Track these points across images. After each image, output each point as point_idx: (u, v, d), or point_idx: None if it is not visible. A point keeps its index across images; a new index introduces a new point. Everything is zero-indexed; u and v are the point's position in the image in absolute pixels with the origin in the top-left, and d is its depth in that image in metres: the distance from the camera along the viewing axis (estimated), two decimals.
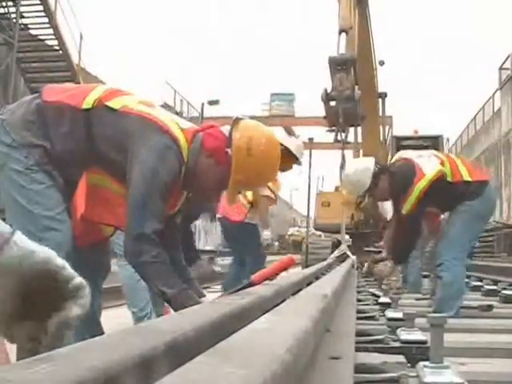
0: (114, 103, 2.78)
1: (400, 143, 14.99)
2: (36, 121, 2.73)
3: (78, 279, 1.26)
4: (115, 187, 2.90)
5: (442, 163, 5.00)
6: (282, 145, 6.32)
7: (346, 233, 9.14)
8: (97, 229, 3.18)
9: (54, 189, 2.72)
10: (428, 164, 5.00)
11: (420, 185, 4.85)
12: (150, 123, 2.75)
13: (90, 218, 3.01)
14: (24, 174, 2.68)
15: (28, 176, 2.68)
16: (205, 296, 2.97)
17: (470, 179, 4.95)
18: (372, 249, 8.10)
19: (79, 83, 19.23)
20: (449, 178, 4.94)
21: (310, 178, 7.67)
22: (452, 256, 4.76)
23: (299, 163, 6.14)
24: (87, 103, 2.76)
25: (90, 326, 2.99)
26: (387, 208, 7.68)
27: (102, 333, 3.06)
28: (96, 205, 2.97)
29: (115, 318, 4.74)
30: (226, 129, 2.93)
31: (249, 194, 6.59)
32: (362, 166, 5.46)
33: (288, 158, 5.73)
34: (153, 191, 2.66)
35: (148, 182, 2.66)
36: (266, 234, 7.04)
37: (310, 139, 8.72)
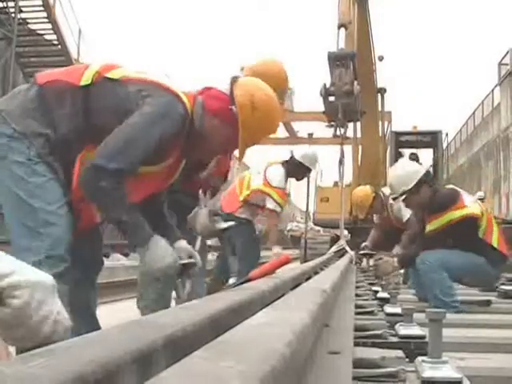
0: (114, 74, 2.76)
1: (399, 138, 14.99)
2: (37, 108, 2.68)
3: (13, 279, 1.23)
4: None
5: (481, 214, 5.03)
6: (299, 162, 6.78)
7: (345, 228, 9.14)
8: (88, 214, 3.10)
9: (55, 182, 2.68)
10: (471, 202, 5.07)
11: (456, 213, 4.88)
12: (154, 86, 2.75)
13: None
14: (25, 165, 2.62)
15: (29, 168, 2.62)
16: (181, 239, 2.93)
17: (496, 246, 4.97)
18: (367, 252, 8.13)
19: None
20: (480, 235, 4.96)
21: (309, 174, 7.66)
22: (437, 264, 4.78)
23: (309, 173, 6.67)
24: (86, 79, 2.73)
25: (87, 321, 2.98)
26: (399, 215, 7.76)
27: (99, 327, 3.06)
28: None
29: (113, 313, 4.74)
30: (224, 88, 2.96)
31: (245, 193, 6.66)
32: (414, 168, 5.44)
33: (303, 170, 6.87)
34: (141, 139, 2.63)
35: (142, 129, 2.63)
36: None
37: (310, 134, 8.73)
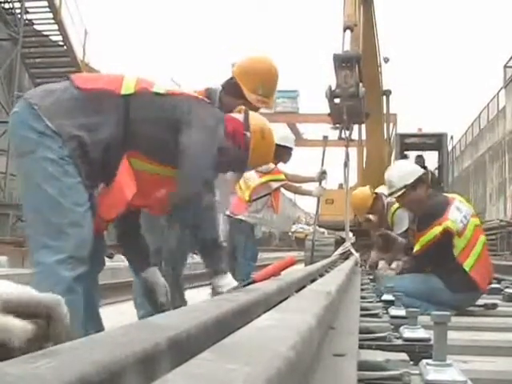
0: (159, 89, 2.91)
1: (404, 141, 14.96)
2: (74, 110, 2.70)
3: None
4: (152, 167, 2.93)
5: (462, 231, 4.62)
6: (276, 144, 6.76)
7: (350, 230, 9.12)
8: (99, 220, 3.14)
9: (82, 186, 2.69)
10: (457, 216, 4.68)
11: (439, 228, 4.60)
12: (197, 100, 3.02)
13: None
14: (57, 163, 2.61)
15: (62, 167, 2.61)
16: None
17: (468, 271, 4.55)
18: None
19: None
20: (455, 252, 4.58)
21: (325, 174, 7.64)
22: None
23: (291, 152, 6.63)
24: (127, 88, 2.82)
25: (91, 320, 2.99)
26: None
27: (102, 328, 3.06)
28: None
29: (117, 314, 4.74)
30: (238, 116, 3.22)
31: (246, 194, 6.70)
32: (413, 167, 5.47)
33: (284, 151, 6.67)
34: (213, 149, 2.92)
35: (210, 140, 2.90)
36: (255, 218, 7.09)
37: (325, 137, 8.73)
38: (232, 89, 3.79)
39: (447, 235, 4.60)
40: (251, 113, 3.25)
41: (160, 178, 2.95)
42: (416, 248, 4.78)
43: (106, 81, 2.89)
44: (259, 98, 3.82)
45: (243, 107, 3.31)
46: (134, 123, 2.80)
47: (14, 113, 2.75)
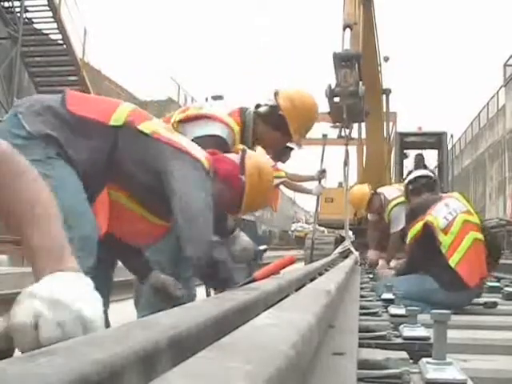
0: (145, 127, 2.81)
1: (404, 139, 14.96)
2: (60, 127, 2.68)
3: None
4: (131, 205, 2.92)
5: (448, 227, 4.50)
6: None
7: (349, 229, 9.13)
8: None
9: (76, 177, 2.66)
10: (441, 211, 4.61)
11: (420, 224, 4.61)
12: (182, 151, 2.84)
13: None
14: (45, 162, 2.58)
15: (50, 165, 2.59)
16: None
17: (453, 266, 4.40)
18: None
19: (83, 78, 19.28)
20: (443, 250, 4.45)
21: (325, 173, 7.66)
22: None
23: (291, 150, 6.68)
24: (116, 120, 2.77)
25: None
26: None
27: (108, 325, 3.06)
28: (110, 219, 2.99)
29: (117, 313, 4.73)
30: (233, 156, 3.14)
31: None
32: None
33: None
34: (209, 203, 2.79)
35: (206, 200, 2.77)
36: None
37: (324, 135, 8.74)
38: (274, 120, 3.90)
39: (428, 230, 4.56)
40: (249, 152, 3.18)
41: (138, 217, 2.98)
42: (408, 238, 4.78)
43: (98, 109, 2.84)
44: (300, 138, 4.01)
45: (241, 146, 3.29)
46: (119, 157, 2.76)
47: (1, 122, 2.76)
